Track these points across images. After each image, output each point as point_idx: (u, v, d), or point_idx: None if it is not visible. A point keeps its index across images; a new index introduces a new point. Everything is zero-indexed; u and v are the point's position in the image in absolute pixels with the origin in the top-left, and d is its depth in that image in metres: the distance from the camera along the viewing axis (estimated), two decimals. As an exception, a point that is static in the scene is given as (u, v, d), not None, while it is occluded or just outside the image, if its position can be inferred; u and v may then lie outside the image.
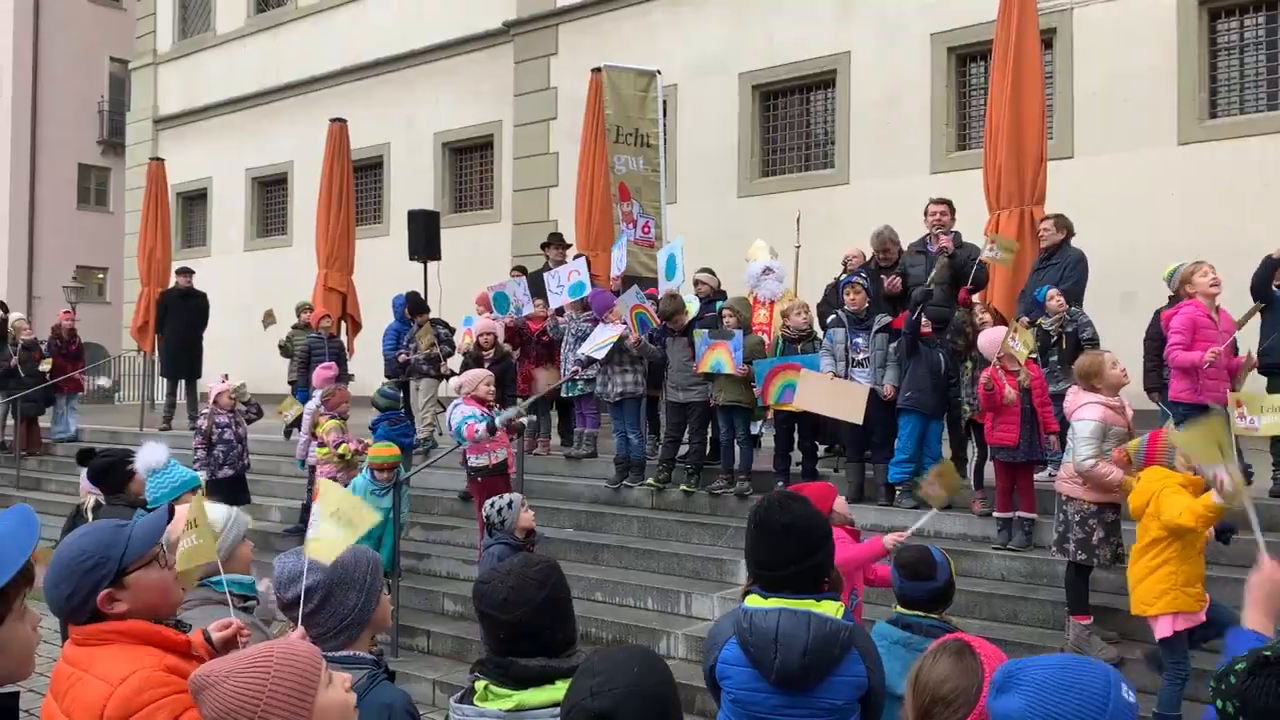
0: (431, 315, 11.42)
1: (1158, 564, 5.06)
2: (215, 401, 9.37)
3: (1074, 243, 8.14)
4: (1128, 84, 11.33)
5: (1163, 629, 5.09)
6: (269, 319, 13.53)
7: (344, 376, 11.88)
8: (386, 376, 11.57)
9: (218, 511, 3.17)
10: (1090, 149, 11.56)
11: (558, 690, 2.26)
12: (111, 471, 5.36)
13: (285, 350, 12.92)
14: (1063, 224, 8.07)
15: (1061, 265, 7.88)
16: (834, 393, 7.55)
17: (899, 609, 3.81)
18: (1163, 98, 11.23)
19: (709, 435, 8.94)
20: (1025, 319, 7.54)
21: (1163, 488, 5.04)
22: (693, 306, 9.04)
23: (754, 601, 2.97)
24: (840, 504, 4.92)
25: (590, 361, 9.12)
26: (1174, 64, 11.23)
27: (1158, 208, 10.85)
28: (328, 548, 2.78)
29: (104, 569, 2.38)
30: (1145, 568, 5.11)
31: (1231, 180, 10.65)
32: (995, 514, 6.99)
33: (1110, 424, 5.82)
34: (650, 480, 8.88)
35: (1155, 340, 7.59)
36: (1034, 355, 7.04)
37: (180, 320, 13.71)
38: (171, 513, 2.69)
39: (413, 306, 11.25)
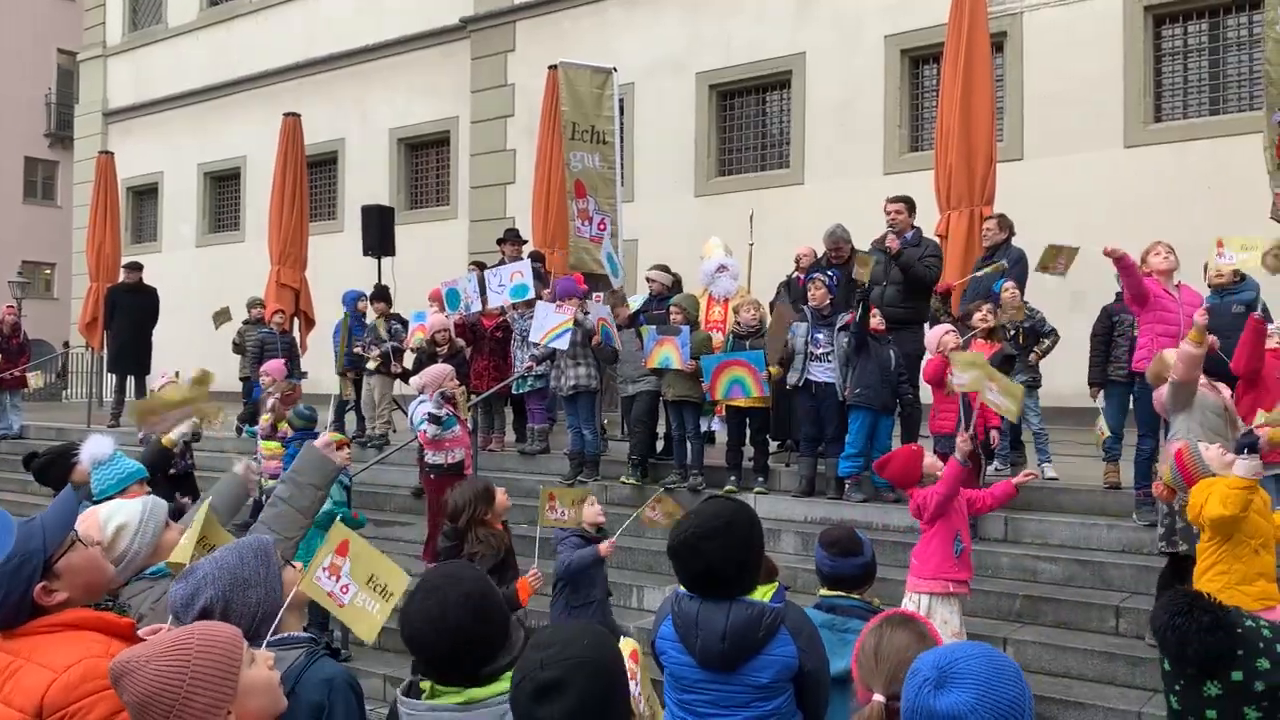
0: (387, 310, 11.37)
1: (1209, 564, 4.90)
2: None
3: (1023, 242, 8.34)
4: (1075, 87, 11.55)
5: None
6: (223, 317, 13.29)
7: (296, 373, 11.76)
8: (337, 373, 11.49)
9: (131, 506, 3.09)
10: (1039, 151, 11.78)
11: (505, 682, 2.26)
12: (53, 466, 5.30)
13: (239, 347, 12.77)
14: (1005, 224, 8.35)
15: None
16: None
17: (823, 592, 3.84)
18: (1109, 101, 11.48)
19: (662, 431, 9.00)
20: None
21: (1206, 495, 4.83)
22: (634, 302, 9.15)
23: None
24: (930, 463, 5.18)
25: (551, 354, 9.10)
26: (1120, 68, 11.49)
27: (1104, 208, 11.07)
28: (369, 625, 2.66)
29: (30, 564, 2.35)
30: (1200, 569, 4.99)
31: (1175, 182, 10.89)
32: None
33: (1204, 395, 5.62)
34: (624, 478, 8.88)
35: (1102, 337, 7.75)
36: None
37: (129, 316, 13.53)
38: (80, 495, 2.63)
39: (375, 296, 11.29)
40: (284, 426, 8.61)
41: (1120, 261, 6.35)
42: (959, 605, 5.31)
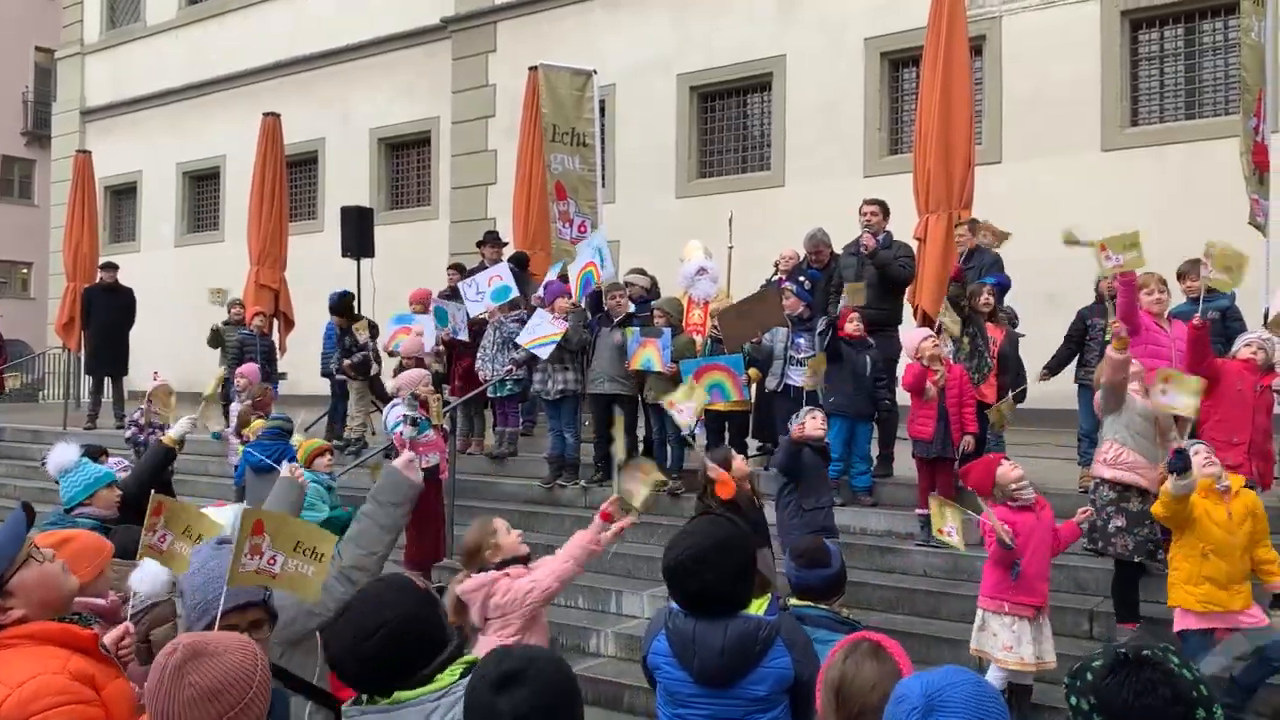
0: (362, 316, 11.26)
1: (1169, 558, 5.23)
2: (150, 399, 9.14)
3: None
4: (1054, 91, 11.60)
5: (1176, 623, 5.15)
6: (219, 296, 12.86)
7: (274, 375, 11.69)
8: (323, 375, 11.41)
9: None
10: (1017, 154, 11.82)
11: (436, 683, 2.32)
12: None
13: (216, 338, 12.37)
14: (995, 232, 8.40)
15: (979, 267, 8.13)
16: (749, 310, 7.64)
17: (792, 601, 3.84)
18: (1087, 105, 11.53)
19: (642, 434, 8.98)
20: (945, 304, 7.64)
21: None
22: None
23: None
24: (1003, 472, 5.27)
25: (530, 359, 9.05)
26: (1098, 72, 11.54)
27: (1082, 212, 11.06)
28: (308, 587, 2.70)
29: None
30: (1169, 557, 5.32)
31: (1152, 187, 10.95)
32: (917, 511, 7.13)
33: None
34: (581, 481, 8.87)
35: (1075, 339, 7.83)
36: (965, 335, 7.20)
37: (105, 317, 13.43)
38: (30, 513, 2.61)
39: (341, 309, 11.01)
40: (249, 432, 8.53)
41: (1124, 278, 6.10)
42: (1015, 623, 5.22)
